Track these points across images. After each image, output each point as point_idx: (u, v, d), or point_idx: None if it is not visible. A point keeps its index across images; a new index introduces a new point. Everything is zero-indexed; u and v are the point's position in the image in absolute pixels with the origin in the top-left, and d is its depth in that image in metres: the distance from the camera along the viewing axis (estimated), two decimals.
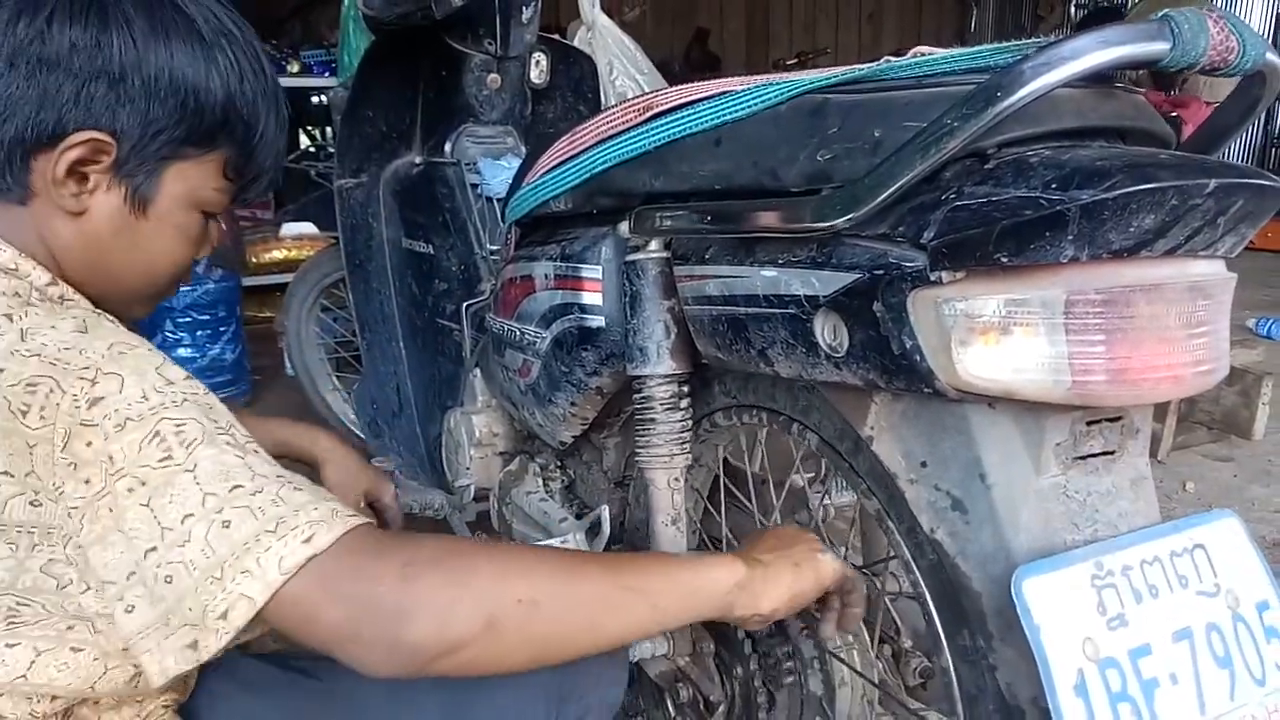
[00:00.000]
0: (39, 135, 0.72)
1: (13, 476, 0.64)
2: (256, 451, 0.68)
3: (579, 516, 1.38)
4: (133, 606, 0.64)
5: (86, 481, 0.64)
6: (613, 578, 0.72)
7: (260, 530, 0.63)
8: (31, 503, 0.65)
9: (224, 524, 0.63)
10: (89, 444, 0.64)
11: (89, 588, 0.67)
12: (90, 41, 0.71)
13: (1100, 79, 0.70)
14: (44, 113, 0.72)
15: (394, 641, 0.63)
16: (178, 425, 0.65)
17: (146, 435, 0.64)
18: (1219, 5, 5.75)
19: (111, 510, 0.64)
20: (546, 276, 1.19)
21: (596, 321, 1.11)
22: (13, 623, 0.68)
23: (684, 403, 1.05)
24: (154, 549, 0.63)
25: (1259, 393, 2.51)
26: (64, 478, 0.64)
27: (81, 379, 0.65)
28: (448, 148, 1.78)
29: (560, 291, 1.16)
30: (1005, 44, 0.73)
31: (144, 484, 0.63)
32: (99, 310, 0.74)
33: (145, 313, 0.87)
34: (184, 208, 0.80)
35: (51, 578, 0.67)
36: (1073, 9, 6.59)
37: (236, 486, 0.64)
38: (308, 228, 2.24)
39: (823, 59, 5.89)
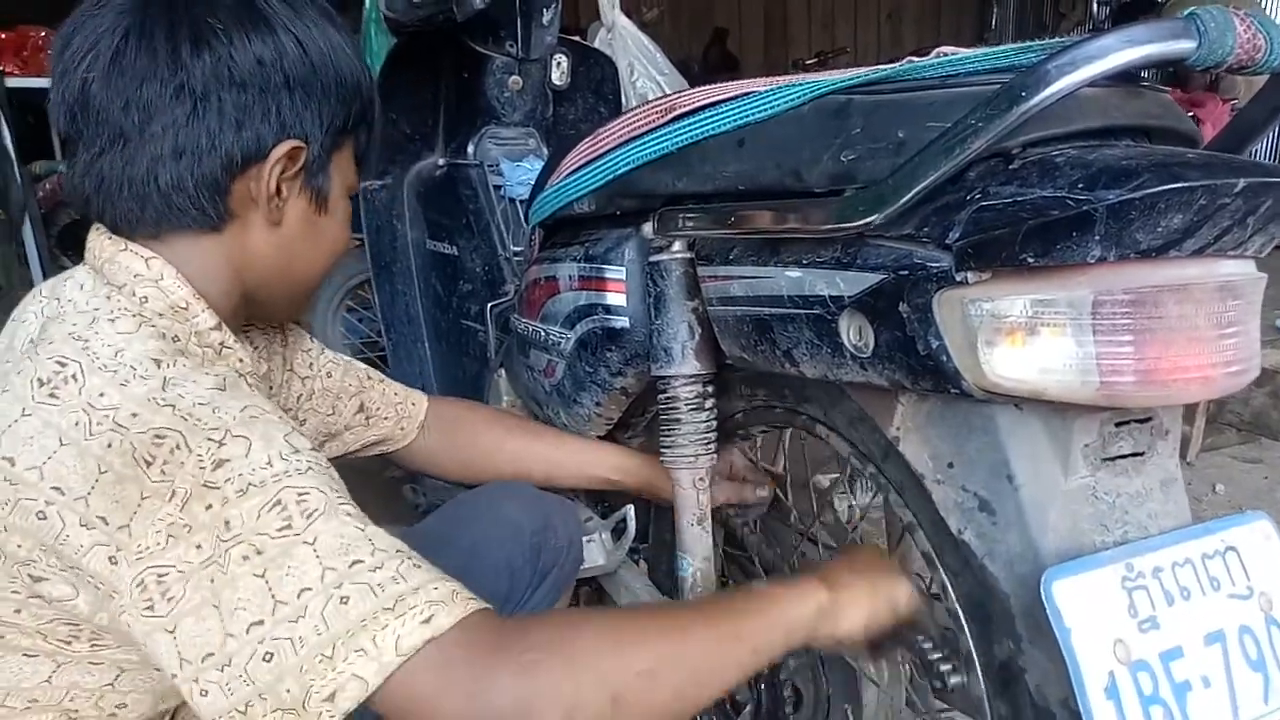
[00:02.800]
0: (244, 158, 0.73)
1: (106, 524, 0.61)
2: (375, 524, 0.66)
3: (604, 516, 1.38)
4: (206, 691, 0.60)
5: (198, 547, 0.61)
6: (716, 630, 0.71)
7: (379, 608, 0.59)
8: (110, 559, 0.62)
9: (342, 599, 0.59)
10: (208, 507, 0.61)
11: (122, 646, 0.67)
12: (272, 53, 0.72)
13: (1125, 77, 0.70)
14: (244, 135, 0.72)
15: None
16: (300, 494, 0.62)
17: (268, 502, 0.61)
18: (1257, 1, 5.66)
19: (213, 581, 0.60)
20: (570, 277, 1.20)
21: (621, 322, 1.11)
22: (97, 637, 0.67)
23: (709, 403, 1.05)
24: (260, 623, 0.59)
25: None
26: (175, 539, 0.61)
27: (209, 440, 0.63)
28: (470, 149, 1.79)
29: (584, 292, 1.17)
30: (1029, 43, 0.73)
31: (260, 553, 0.60)
32: (242, 372, 0.75)
33: (304, 311, 0.92)
34: (344, 195, 0.83)
35: (109, 630, 0.66)
36: (1095, 6, 6.52)
37: (357, 562, 0.61)
38: None
39: (841, 59, 5.87)
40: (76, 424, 0.63)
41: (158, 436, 0.62)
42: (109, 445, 0.62)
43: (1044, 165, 0.66)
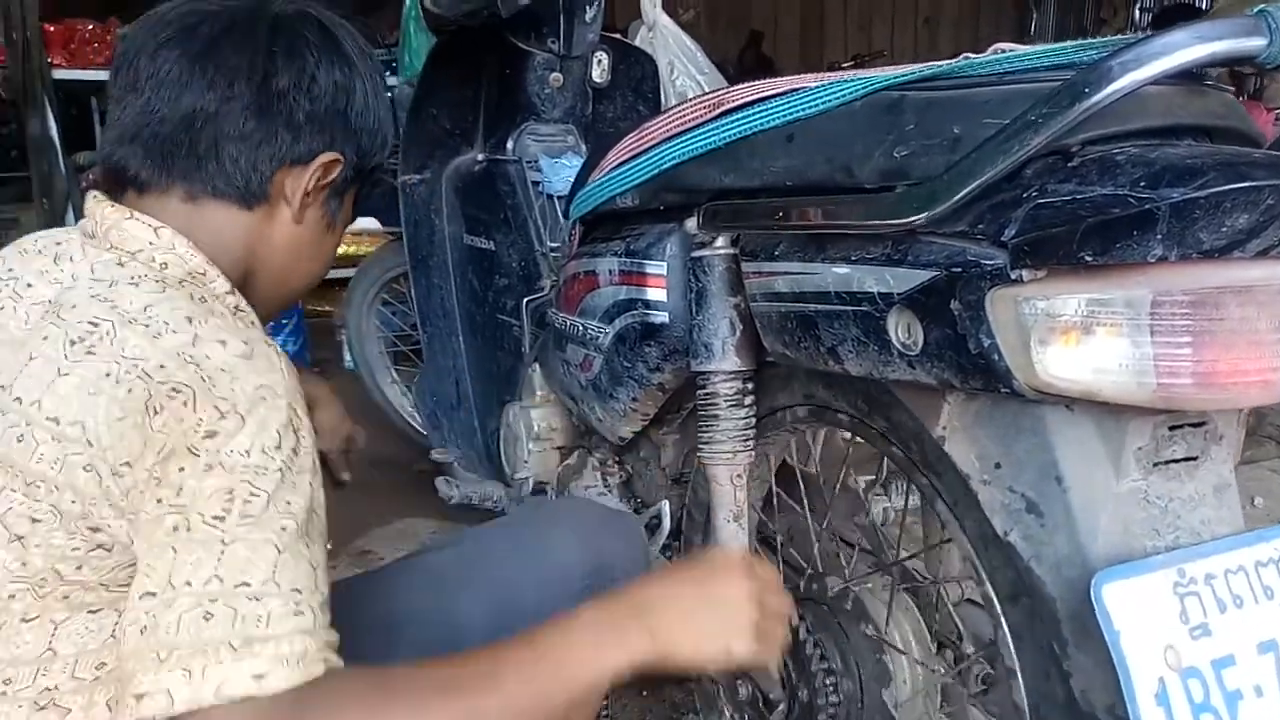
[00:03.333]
0: (294, 157, 0.81)
1: (131, 469, 0.65)
2: (303, 552, 0.66)
3: (637, 512, 1.38)
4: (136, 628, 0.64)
5: (157, 501, 0.65)
6: (531, 687, 0.69)
7: (226, 640, 0.61)
8: (141, 494, 0.66)
9: (206, 615, 0.62)
10: (180, 469, 0.65)
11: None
12: (346, 85, 0.82)
13: (1188, 76, 0.69)
14: (299, 144, 0.81)
15: None
16: (251, 494, 0.65)
17: (222, 488, 0.64)
18: None
19: (145, 537, 0.65)
20: (610, 272, 1.20)
21: (660, 317, 1.11)
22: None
23: (748, 399, 1.05)
24: (152, 594, 0.63)
25: None
26: (141, 493, 0.65)
27: (215, 408, 0.66)
28: (509, 145, 1.79)
29: (624, 287, 1.17)
30: (1089, 40, 0.72)
31: (187, 530, 0.63)
32: (270, 341, 0.77)
33: (273, 318, 0.96)
34: (343, 227, 0.91)
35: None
36: (1138, 12, 6.43)
37: (243, 584, 0.63)
38: (371, 223, 2.27)
39: (878, 61, 5.83)
40: (107, 374, 0.66)
41: (174, 390, 0.65)
42: (129, 391, 0.65)
43: (1104, 163, 0.65)
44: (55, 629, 0.68)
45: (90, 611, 0.69)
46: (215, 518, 0.64)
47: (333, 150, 0.82)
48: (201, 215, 0.79)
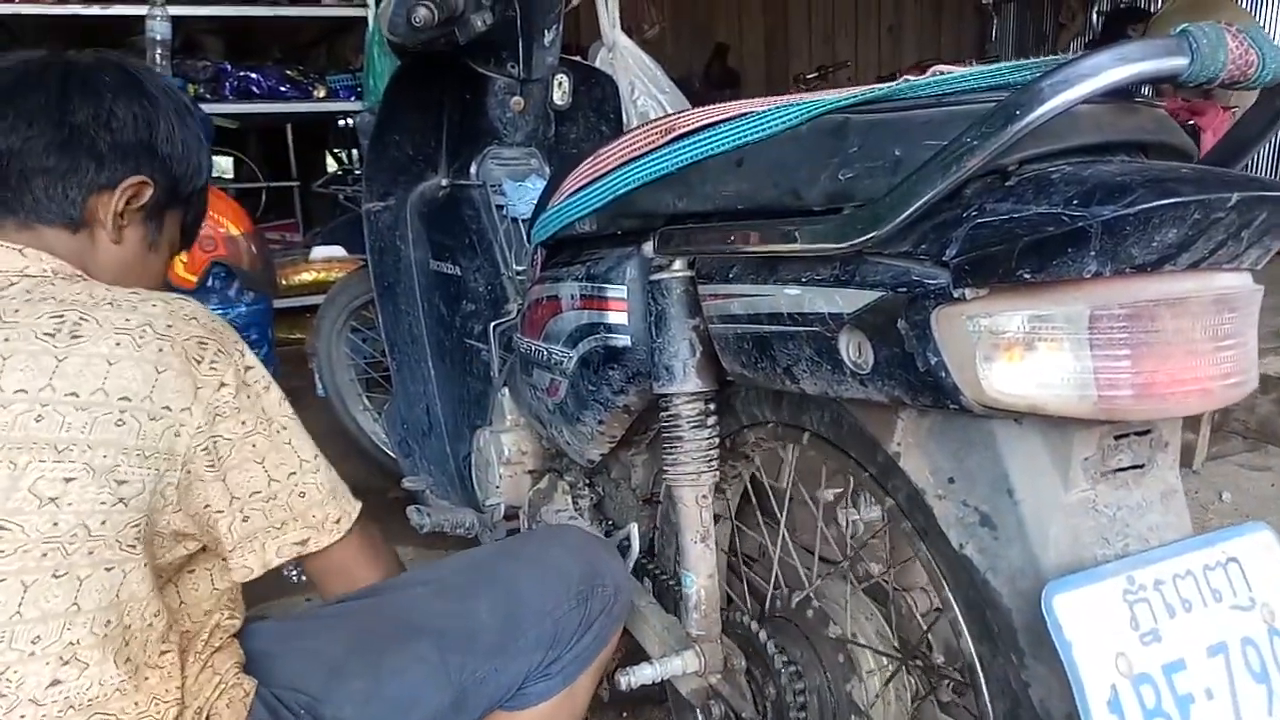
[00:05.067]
0: (101, 183, 0.91)
1: (171, 411, 0.80)
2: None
3: (608, 534, 1.38)
4: (248, 517, 0.87)
5: (243, 423, 0.85)
6: None
7: (324, 499, 0.93)
8: (175, 434, 0.81)
9: (328, 465, 0.94)
10: (249, 397, 0.86)
11: (180, 509, 0.83)
12: (146, 118, 0.93)
13: (1121, 92, 0.70)
14: (104, 171, 0.91)
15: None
16: (281, 395, 0.91)
17: (282, 396, 0.90)
18: (1243, 4, 5.67)
19: (255, 446, 0.86)
20: (572, 296, 1.20)
21: (622, 340, 1.12)
22: (147, 537, 0.82)
23: (711, 420, 1.06)
24: (294, 473, 0.90)
25: None
26: (220, 417, 0.84)
27: (237, 348, 0.87)
28: (473, 170, 1.80)
29: (586, 311, 1.18)
30: (1023, 61, 0.74)
31: (285, 429, 0.90)
32: None
33: None
34: (168, 247, 1.01)
35: (161, 497, 0.81)
36: (1095, 16, 6.54)
37: (314, 457, 0.93)
38: (337, 250, 2.27)
39: (842, 72, 5.88)
40: (118, 344, 0.79)
41: (201, 342, 0.84)
42: (160, 350, 0.81)
43: (1039, 182, 0.66)
44: (80, 584, 0.76)
45: (106, 569, 0.77)
46: (291, 415, 0.91)
47: (139, 175, 0.92)
48: (41, 239, 0.88)
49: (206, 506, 0.85)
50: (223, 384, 0.84)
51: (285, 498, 0.89)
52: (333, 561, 0.95)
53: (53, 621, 0.74)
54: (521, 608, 0.98)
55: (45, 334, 0.78)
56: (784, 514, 1.16)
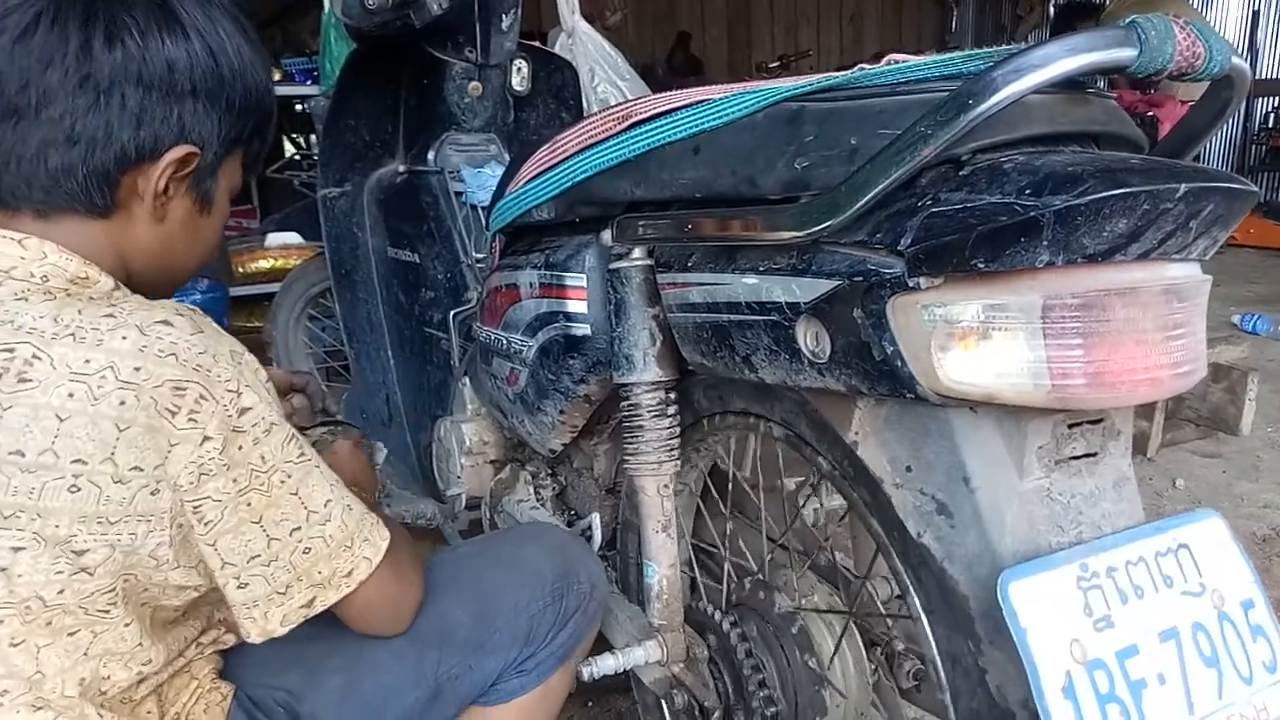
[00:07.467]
0: (138, 154, 0.75)
1: (143, 471, 0.69)
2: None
3: (570, 524, 1.38)
4: (246, 584, 0.76)
5: (234, 480, 0.73)
6: None
7: (364, 512, 0.82)
8: (152, 492, 0.70)
9: (348, 506, 0.80)
10: (240, 448, 0.73)
11: (180, 566, 0.75)
12: (185, 58, 0.75)
13: (1072, 84, 0.71)
14: (142, 133, 0.74)
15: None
16: (290, 433, 0.77)
17: (286, 437, 0.76)
18: (1195, 3, 5.78)
19: (250, 505, 0.74)
20: (531, 285, 1.19)
21: (582, 329, 1.11)
22: (127, 597, 0.74)
23: (671, 409, 1.05)
24: (299, 528, 0.76)
25: (1245, 389, 2.51)
26: (207, 475, 0.71)
27: (229, 391, 0.72)
28: (430, 156, 1.78)
29: (545, 300, 1.17)
30: (976, 51, 0.74)
31: (290, 477, 0.76)
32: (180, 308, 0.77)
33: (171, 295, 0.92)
34: (227, 196, 0.85)
35: (152, 558, 0.73)
36: (1051, 9, 6.62)
37: (337, 482, 0.80)
38: (293, 237, 2.23)
39: (804, 61, 5.90)
40: (71, 395, 0.67)
41: (177, 388, 0.69)
42: (123, 403, 0.68)
43: (993, 171, 0.66)
44: (39, 652, 0.71)
45: (69, 634, 0.72)
46: (300, 457, 0.77)
47: (185, 139, 0.76)
48: (58, 230, 0.74)
49: (205, 563, 0.76)
50: (206, 438, 0.70)
51: (288, 557, 0.76)
52: (344, 612, 0.83)
53: (18, 681, 0.70)
54: (497, 605, 0.96)
55: None
56: (728, 502, 1.16)
